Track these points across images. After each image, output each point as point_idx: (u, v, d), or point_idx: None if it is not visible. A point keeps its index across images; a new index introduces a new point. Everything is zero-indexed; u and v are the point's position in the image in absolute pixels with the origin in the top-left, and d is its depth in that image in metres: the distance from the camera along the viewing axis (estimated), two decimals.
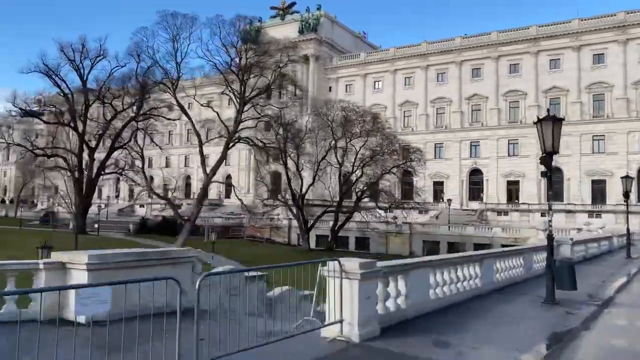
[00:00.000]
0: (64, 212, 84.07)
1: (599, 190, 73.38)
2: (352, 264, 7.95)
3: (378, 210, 62.33)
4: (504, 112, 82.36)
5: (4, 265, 9.25)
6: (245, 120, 56.47)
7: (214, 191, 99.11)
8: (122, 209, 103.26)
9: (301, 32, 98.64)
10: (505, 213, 74.33)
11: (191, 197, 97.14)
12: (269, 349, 6.97)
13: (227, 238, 67.73)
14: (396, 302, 9.40)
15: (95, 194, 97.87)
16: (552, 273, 12.50)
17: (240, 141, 56.33)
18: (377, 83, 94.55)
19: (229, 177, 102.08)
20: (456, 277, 11.99)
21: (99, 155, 71.20)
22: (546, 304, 12.20)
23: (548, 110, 14.17)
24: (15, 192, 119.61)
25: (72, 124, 70.01)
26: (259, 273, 11.91)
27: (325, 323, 8.01)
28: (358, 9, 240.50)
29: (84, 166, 69.67)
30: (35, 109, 79.66)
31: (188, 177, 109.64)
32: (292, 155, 61.73)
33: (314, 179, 61.09)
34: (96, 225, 69.04)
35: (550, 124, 12.18)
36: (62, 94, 71.66)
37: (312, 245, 63.77)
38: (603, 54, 75.59)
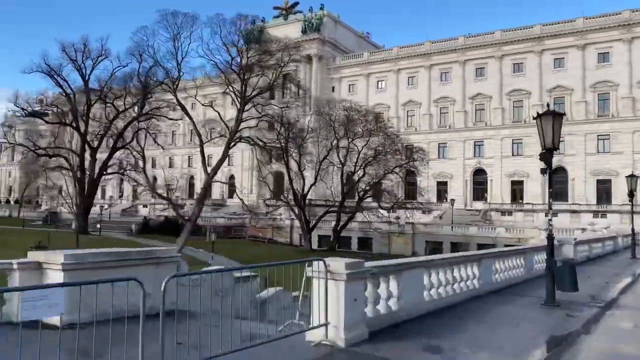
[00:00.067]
0: (66, 213, 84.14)
1: (604, 190, 72.67)
2: (338, 264, 7.56)
3: (380, 210, 61.98)
4: (507, 111, 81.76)
5: None
6: (247, 120, 56.21)
7: (217, 191, 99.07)
8: (125, 209, 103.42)
9: (304, 32, 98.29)
10: (510, 213, 73.80)
11: (194, 197, 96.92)
12: (248, 354, 6.59)
13: (229, 238, 67.58)
14: (387, 304, 9.00)
15: (99, 194, 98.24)
16: (553, 274, 12.08)
17: (241, 141, 56.07)
18: (380, 83, 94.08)
19: (232, 177, 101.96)
20: (452, 278, 11.57)
21: (101, 155, 71.11)
22: (546, 306, 11.78)
23: (547, 105, 13.74)
24: (19, 193, 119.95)
25: (74, 124, 70.00)
26: (247, 273, 11.52)
27: (310, 326, 7.62)
28: (360, 9, 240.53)
29: (86, 166, 69.61)
30: (37, 109, 79.75)
31: (191, 177, 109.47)
32: (293, 155, 61.46)
33: (315, 178, 60.79)
34: (98, 226, 69.02)
35: (551, 119, 11.76)
36: (64, 94, 71.68)
37: (315, 245, 63.45)
38: (608, 52, 74.92)
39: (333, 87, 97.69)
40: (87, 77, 70.29)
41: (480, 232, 63.17)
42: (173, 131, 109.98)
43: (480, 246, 52.00)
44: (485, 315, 10.73)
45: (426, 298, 10.41)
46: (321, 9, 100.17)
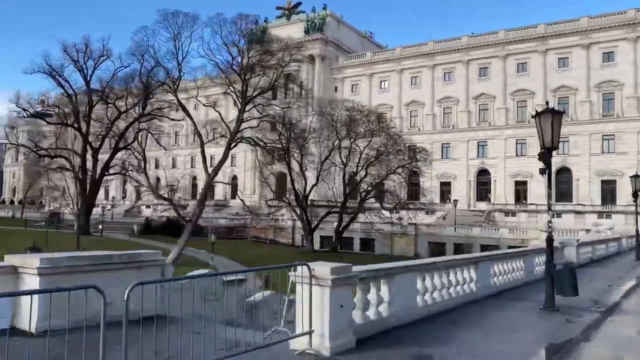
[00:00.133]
0: (69, 213, 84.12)
1: (608, 191, 72.01)
2: (323, 268, 7.21)
3: (383, 211, 61.56)
4: (511, 111, 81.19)
5: None
6: (249, 120, 55.88)
7: (220, 192, 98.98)
8: (128, 209, 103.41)
9: (307, 32, 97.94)
10: (513, 214, 73.27)
11: (197, 197, 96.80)
12: None
13: (231, 239, 67.37)
14: (377, 309, 8.64)
15: (103, 195, 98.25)
16: (552, 278, 11.69)
17: (242, 141, 55.76)
18: (383, 83, 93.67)
19: (235, 178, 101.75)
20: (448, 282, 11.19)
21: (103, 156, 71.01)
22: (545, 311, 11.39)
23: (547, 102, 13.34)
24: (23, 194, 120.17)
25: (75, 125, 69.95)
26: (235, 277, 11.17)
27: (294, 334, 7.27)
28: (363, 9, 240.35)
29: (88, 167, 69.54)
30: (39, 109, 79.81)
31: (194, 178, 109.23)
32: (295, 155, 61.15)
33: (317, 179, 60.47)
34: (100, 226, 68.91)
35: (550, 117, 11.38)
36: (65, 95, 71.66)
37: (317, 246, 63.16)
38: (613, 52, 74.28)
39: (336, 87, 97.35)
40: (88, 78, 70.38)
41: (484, 233, 62.73)
42: (176, 132, 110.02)
43: (484, 247, 51.67)
44: (482, 321, 10.34)
45: (420, 303, 10.04)
46: (324, 9, 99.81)
